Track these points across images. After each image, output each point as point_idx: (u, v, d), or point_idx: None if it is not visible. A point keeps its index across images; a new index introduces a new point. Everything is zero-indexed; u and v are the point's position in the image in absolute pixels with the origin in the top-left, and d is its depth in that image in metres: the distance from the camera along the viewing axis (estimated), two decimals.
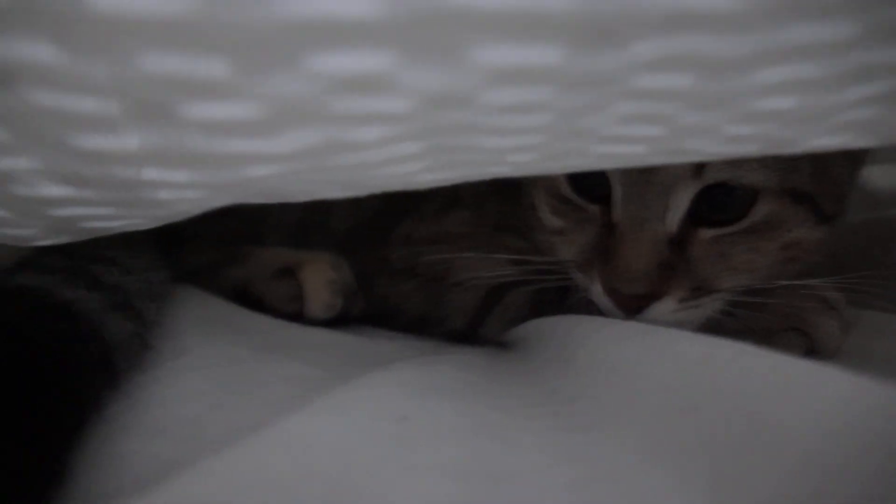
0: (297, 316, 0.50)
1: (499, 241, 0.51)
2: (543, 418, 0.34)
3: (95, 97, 0.25)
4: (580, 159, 0.35)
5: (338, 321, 0.51)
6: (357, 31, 0.22)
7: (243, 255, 0.54)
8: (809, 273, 0.44)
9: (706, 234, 0.43)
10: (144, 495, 0.26)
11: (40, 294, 0.33)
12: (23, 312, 0.31)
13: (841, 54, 0.25)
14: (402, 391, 0.34)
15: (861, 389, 0.26)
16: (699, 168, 0.41)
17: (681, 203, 0.42)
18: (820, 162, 0.41)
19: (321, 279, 0.51)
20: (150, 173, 0.30)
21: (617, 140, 0.32)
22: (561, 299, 0.48)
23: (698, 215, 0.42)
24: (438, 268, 0.52)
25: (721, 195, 0.42)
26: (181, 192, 0.32)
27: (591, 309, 0.45)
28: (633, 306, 0.43)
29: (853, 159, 0.46)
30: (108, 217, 0.35)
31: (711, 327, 0.43)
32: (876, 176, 0.69)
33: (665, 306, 0.42)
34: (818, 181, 0.43)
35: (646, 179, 0.41)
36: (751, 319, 0.44)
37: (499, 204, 0.52)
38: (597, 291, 0.44)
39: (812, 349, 0.44)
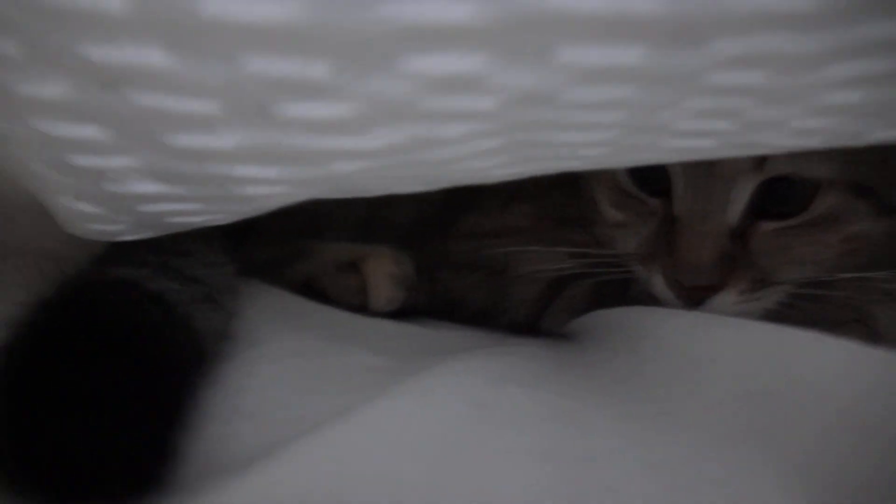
0: (361, 308, 0.51)
1: (560, 234, 0.51)
2: (613, 406, 0.35)
3: (199, 99, 0.26)
4: (649, 153, 0.35)
5: (401, 313, 0.52)
6: (454, 35, 0.23)
7: (308, 249, 0.55)
8: (873, 265, 0.44)
9: (767, 226, 0.43)
10: (244, 475, 0.28)
11: (135, 286, 0.35)
12: (123, 302, 0.33)
13: None
14: (476, 379, 0.35)
15: None
16: (760, 161, 0.41)
17: (742, 196, 0.42)
18: (882, 154, 0.41)
19: (384, 272, 0.52)
20: (243, 170, 0.31)
21: (687, 134, 0.32)
22: (621, 292, 0.49)
23: (759, 208, 0.43)
24: (501, 261, 0.53)
25: (782, 188, 0.42)
26: (269, 188, 0.33)
27: (651, 301, 0.45)
28: (694, 298, 0.43)
29: None
30: (194, 212, 0.37)
31: (773, 319, 0.43)
32: None
33: (726, 298, 0.43)
34: (880, 174, 0.43)
35: (707, 173, 0.42)
36: (812, 311, 0.44)
37: (560, 198, 0.53)
38: (658, 283, 0.44)
39: (874, 342, 0.44)
